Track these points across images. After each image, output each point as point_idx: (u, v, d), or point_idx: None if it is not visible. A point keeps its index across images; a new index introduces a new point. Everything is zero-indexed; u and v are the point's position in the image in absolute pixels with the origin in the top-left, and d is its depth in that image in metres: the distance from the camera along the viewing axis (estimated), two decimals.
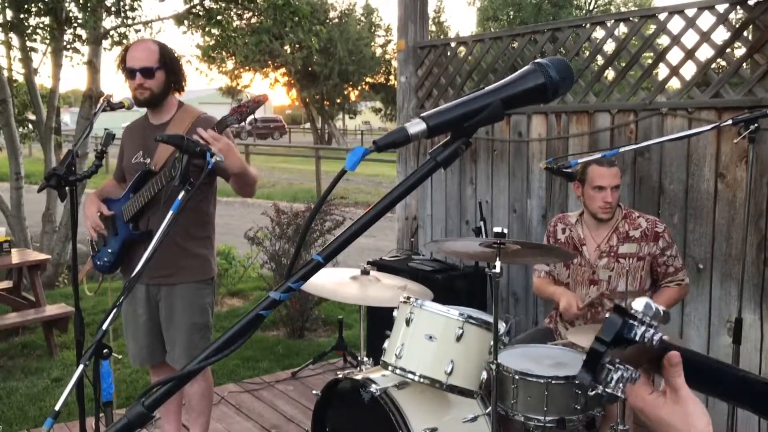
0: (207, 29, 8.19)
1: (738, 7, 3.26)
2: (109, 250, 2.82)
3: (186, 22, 8.03)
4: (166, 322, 2.83)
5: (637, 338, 0.82)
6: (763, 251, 3.17)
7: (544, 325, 3.27)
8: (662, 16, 3.52)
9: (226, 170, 2.55)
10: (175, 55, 2.80)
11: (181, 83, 2.81)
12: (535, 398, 2.48)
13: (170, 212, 2.02)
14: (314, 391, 2.81)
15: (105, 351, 2.04)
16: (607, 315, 0.84)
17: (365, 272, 2.97)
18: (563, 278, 3.12)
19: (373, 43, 30.97)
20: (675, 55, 3.49)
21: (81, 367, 1.93)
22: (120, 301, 1.95)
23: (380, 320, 3.78)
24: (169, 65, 2.73)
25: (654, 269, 2.99)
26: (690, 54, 3.39)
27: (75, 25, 7.17)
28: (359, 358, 3.01)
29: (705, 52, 3.38)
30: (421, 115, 0.83)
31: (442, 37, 27.34)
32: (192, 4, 7.76)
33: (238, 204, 12.78)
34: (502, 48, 4.36)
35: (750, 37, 3.30)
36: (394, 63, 22.20)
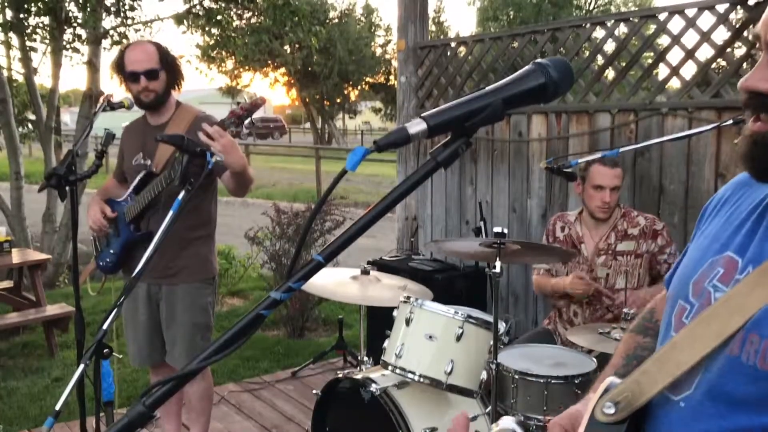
0: (207, 29, 8.20)
1: (738, 7, 3.26)
2: (112, 251, 2.82)
3: (186, 21, 8.03)
4: (167, 322, 2.83)
5: None
6: None
7: (543, 326, 3.28)
8: (662, 16, 3.52)
9: (224, 168, 2.53)
10: (172, 53, 2.79)
11: (180, 81, 2.80)
12: (535, 398, 2.48)
13: (170, 212, 2.02)
14: (314, 391, 2.81)
15: (105, 350, 2.05)
16: None
17: (365, 272, 2.97)
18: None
19: (373, 43, 30.97)
20: (675, 55, 3.49)
21: (81, 366, 1.93)
22: (121, 300, 1.95)
23: (380, 320, 3.79)
24: (169, 65, 2.73)
25: (653, 267, 2.99)
26: (690, 54, 3.39)
27: (75, 24, 7.17)
28: (359, 358, 3.01)
29: (705, 52, 3.38)
30: (422, 114, 0.83)
31: (442, 37, 27.35)
32: (192, 3, 7.76)
33: (238, 204, 12.78)
34: (502, 48, 4.36)
35: (750, 37, 3.30)
36: (394, 63, 22.18)
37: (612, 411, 0.91)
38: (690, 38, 3.39)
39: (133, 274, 1.98)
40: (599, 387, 1.08)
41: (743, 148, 0.91)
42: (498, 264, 2.43)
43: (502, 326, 2.53)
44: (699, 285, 0.99)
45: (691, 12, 3.34)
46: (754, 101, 0.88)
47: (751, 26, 3.26)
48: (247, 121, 2.31)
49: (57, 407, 1.84)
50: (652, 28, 3.57)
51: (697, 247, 1.07)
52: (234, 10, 8.46)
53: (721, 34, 3.35)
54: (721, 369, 0.89)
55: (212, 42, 9.37)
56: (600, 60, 3.90)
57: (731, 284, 0.93)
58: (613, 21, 3.74)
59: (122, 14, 7.31)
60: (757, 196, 1.01)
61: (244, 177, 2.60)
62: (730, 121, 2.60)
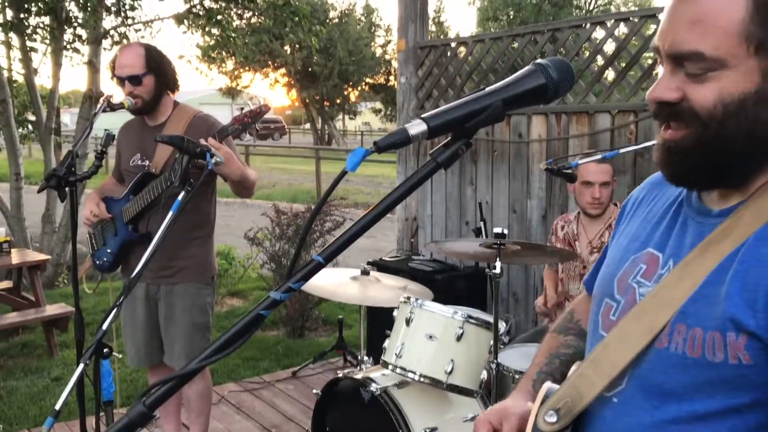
0: (207, 29, 8.19)
1: None
2: (109, 250, 2.82)
3: (186, 21, 8.02)
4: (166, 322, 2.83)
5: None
6: None
7: (544, 323, 3.29)
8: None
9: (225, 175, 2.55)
10: (164, 56, 2.74)
11: (173, 84, 2.76)
12: None
13: (170, 213, 2.02)
14: (314, 391, 2.81)
15: (105, 350, 2.04)
16: None
17: (365, 272, 2.98)
18: (559, 272, 3.18)
19: (373, 43, 30.96)
20: None
21: (81, 366, 1.93)
22: (120, 300, 1.95)
23: (380, 320, 3.79)
24: (158, 68, 2.68)
25: None
26: None
27: (75, 24, 7.16)
28: (359, 358, 3.01)
29: None
30: (422, 115, 0.83)
31: (442, 37, 27.34)
32: (192, 3, 7.76)
33: (238, 204, 12.78)
34: (502, 48, 4.36)
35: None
36: (394, 63, 22.16)
37: (554, 419, 0.93)
38: None
39: (133, 274, 1.98)
40: (525, 385, 1.15)
41: (658, 155, 0.95)
42: (498, 264, 2.44)
43: (502, 326, 2.53)
44: (623, 282, 1.02)
45: None
46: (663, 111, 0.91)
47: None
48: (249, 128, 2.33)
49: (57, 407, 1.84)
50: (652, 28, 3.57)
51: (617, 246, 1.10)
52: (234, 10, 8.45)
53: None
54: (652, 362, 0.91)
55: (212, 42, 9.35)
56: (600, 60, 3.90)
57: (654, 279, 0.97)
58: (613, 21, 3.74)
59: (122, 14, 7.30)
60: (672, 193, 1.05)
61: (244, 183, 2.63)
62: None
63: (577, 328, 1.28)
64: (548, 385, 0.99)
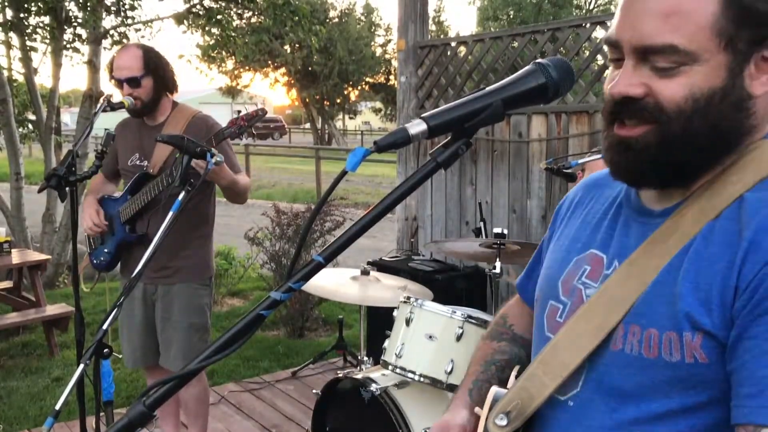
0: (207, 29, 8.19)
1: None
2: (106, 250, 2.82)
3: (186, 21, 8.02)
4: (163, 323, 2.82)
5: None
6: None
7: None
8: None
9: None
10: (162, 57, 2.73)
11: (172, 85, 2.76)
12: None
13: (170, 213, 2.02)
14: (314, 391, 2.81)
15: (105, 350, 2.04)
16: None
17: (365, 272, 2.98)
18: None
19: (373, 43, 30.97)
20: None
21: (81, 366, 1.93)
22: (121, 301, 1.95)
23: (380, 320, 3.79)
24: (156, 70, 2.68)
25: None
26: None
27: (75, 24, 7.17)
28: (359, 358, 3.01)
29: None
30: (422, 115, 0.83)
31: (442, 36, 27.34)
32: (192, 3, 7.77)
33: (238, 204, 12.79)
34: (503, 48, 4.36)
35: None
36: (394, 63, 22.17)
37: (504, 422, 0.92)
38: None
39: (133, 275, 1.98)
40: (462, 395, 1.15)
41: (612, 154, 0.91)
42: (498, 264, 2.44)
43: None
44: (568, 284, 1.01)
45: None
46: (624, 107, 0.88)
47: None
48: (246, 131, 2.33)
49: (57, 407, 1.84)
50: None
51: (558, 249, 1.08)
52: (234, 9, 8.45)
53: None
54: (607, 364, 0.91)
55: (212, 42, 9.36)
56: (600, 60, 3.90)
57: (600, 280, 0.96)
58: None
59: (122, 14, 7.31)
60: (610, 194, 1.04)
61: (235, 188, 2.64)
62: None
63: (510, 333, 1.26)
64: (495, 389, 0.98)
